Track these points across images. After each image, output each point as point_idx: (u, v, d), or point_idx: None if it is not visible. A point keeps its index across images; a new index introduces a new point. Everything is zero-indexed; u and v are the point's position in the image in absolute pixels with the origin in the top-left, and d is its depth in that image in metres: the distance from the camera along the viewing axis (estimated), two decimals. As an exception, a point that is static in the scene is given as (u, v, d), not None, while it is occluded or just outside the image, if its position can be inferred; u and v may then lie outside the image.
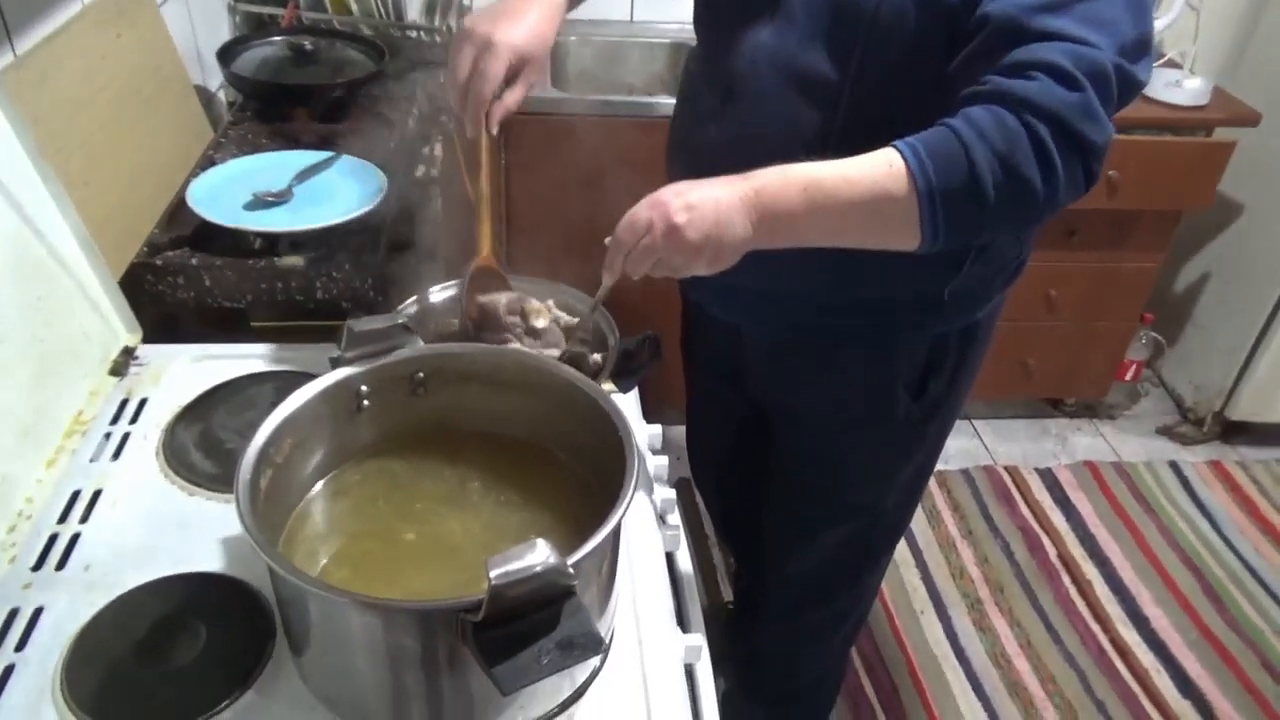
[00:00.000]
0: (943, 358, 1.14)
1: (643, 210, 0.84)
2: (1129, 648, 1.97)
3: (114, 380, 1.07)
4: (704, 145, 1.07)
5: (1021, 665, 1.92)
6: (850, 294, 1.06)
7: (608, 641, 0.77)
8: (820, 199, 0.82)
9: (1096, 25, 0.79)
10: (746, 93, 1.00)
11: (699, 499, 2.24)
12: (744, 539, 1.61)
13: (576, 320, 1.02)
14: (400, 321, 0.83)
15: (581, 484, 0.83)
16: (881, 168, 0.81)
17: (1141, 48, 0.83)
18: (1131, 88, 0.83)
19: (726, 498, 1.63)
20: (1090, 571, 2.13)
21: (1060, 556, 2.16)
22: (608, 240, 0.87)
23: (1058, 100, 0.77)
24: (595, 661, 0.78)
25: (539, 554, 0.59)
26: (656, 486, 1.03)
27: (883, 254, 0.87)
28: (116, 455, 0.97)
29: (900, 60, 0.91)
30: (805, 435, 1.26)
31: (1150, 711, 1.85)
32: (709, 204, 0.82)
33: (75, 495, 0.92)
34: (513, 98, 0.97)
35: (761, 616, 1.52)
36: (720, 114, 1.04)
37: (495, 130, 0.98)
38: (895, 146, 0.81)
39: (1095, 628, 2.01)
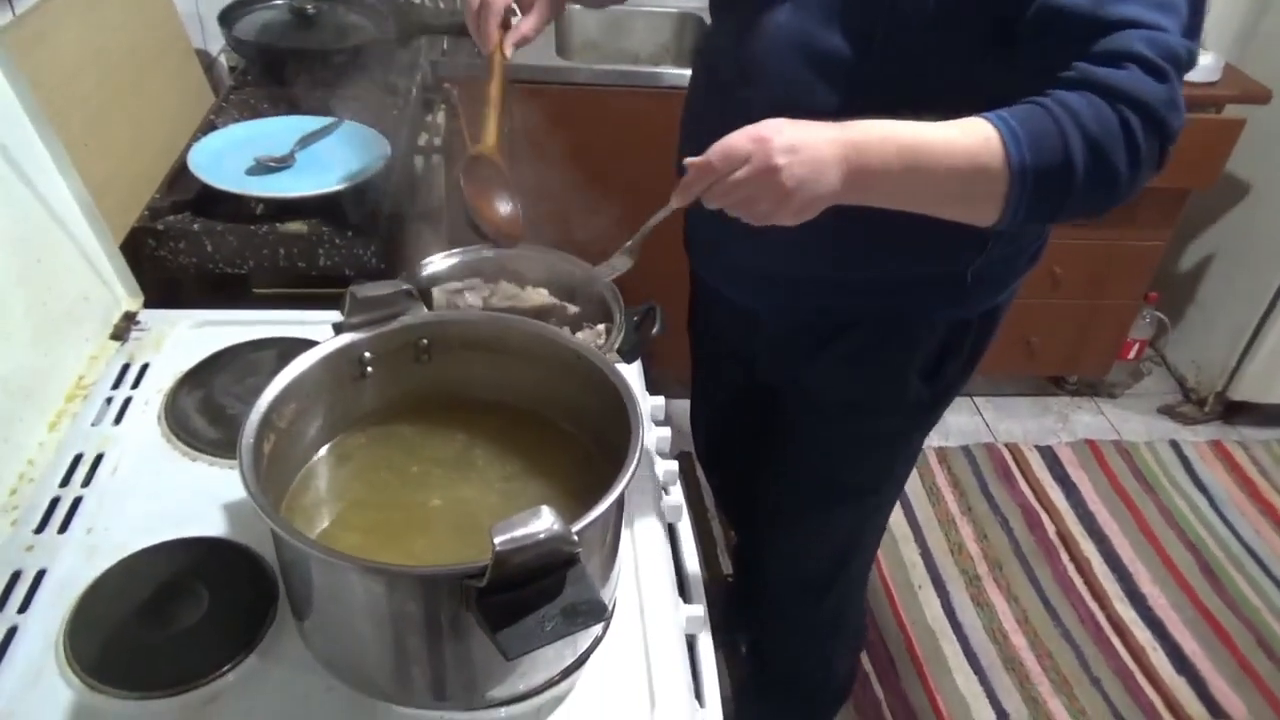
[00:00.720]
0: (961, 342, 1.11)
1: (742, 141, 0.80)
2: (1126, 625, 1.98)
3: (115, 345, 1.06)
4: (720, 127, 1.04)
5: (1018, 641, 1.93)
6: (868, 273, 1.04)
7: (610, 609, 0.77)
8: (916, 163, 0.80)
9: (1163, 7, 0.79)
10: (764, 74, 0.98)
11: (699, 473, 2.25)
12: (744, 514, 1.61)
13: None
14: (404, 288, 0.82)
15: (584, 453, 0.83)
16: (978, 139, 0.79)
17: (1196, 23, 0.83)
18: (1192, 66, 0.83)
19: (728, 473, 1.62)
20: (1089, 549, 2.14)
21: (1059, 534, 2.17)
22: (690, 161, 0.83)
23: (1148, 91, 0.77)
24: (597, 630, 0.79)
25: (544, 521, 0.59)
26: (659, 458, 1.03)
27: (905, 230, 0.86)
28: (118, 420, 0.97)
29: (923, 41, 0.89)
30: (812, 416, 1.23)
31: (1145, 688, 1.86)
32: (810, 150, 0.79)
33: (77, 459, 0.92)
34: (529, 24, 1.01)
35: (763, 603, 1.51)
36: (737, 95, 1.01)
37: (509, 52, 1.02)
38: (986, 119, 0.80)
39: (1093, 605, 2.02)
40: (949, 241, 0.87)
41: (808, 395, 1.21)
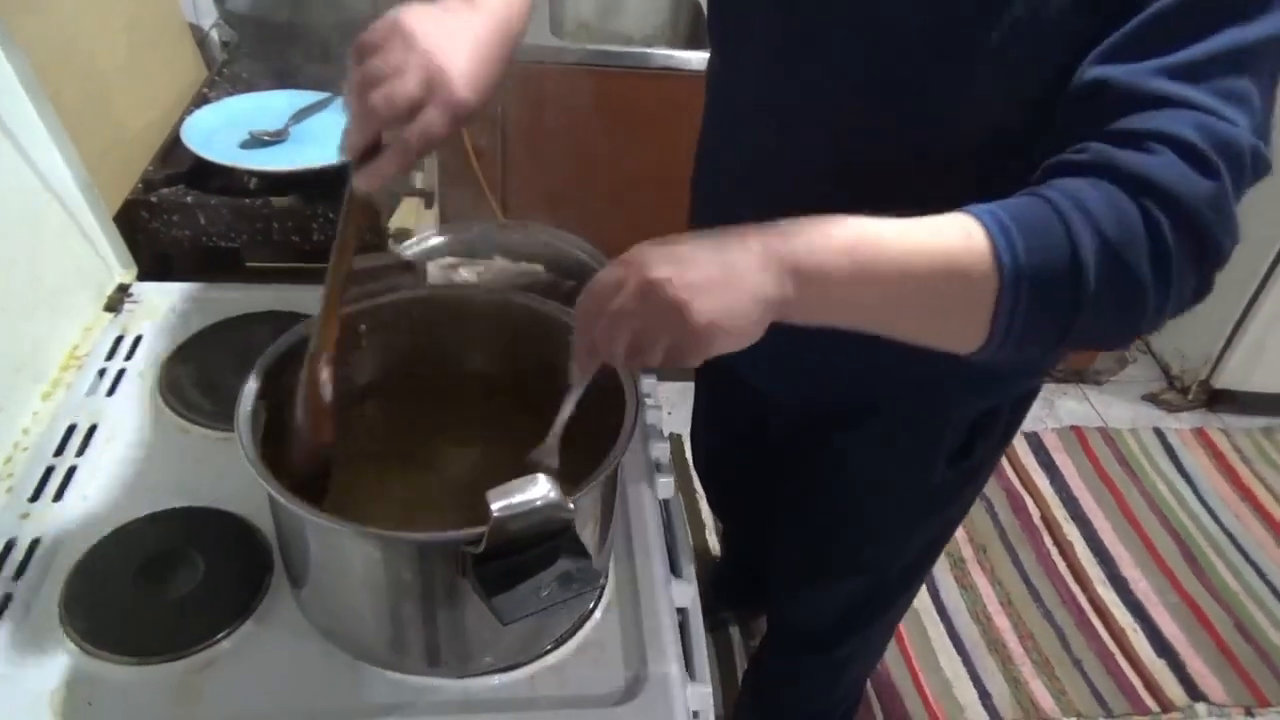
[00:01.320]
0: (992, 425, 0.99)
1: (611, 268, 0.61)
2: (1107, 608, 2.00)
3: (109, 316, 1.06)
4: (738, 180, 0.90)
5: (1002, 623, 1.96)
6: (897, 366, 0.81)
7: (604, 579, 0.78)
8: (871, 265, 0.60)
9: (1234, 100, 0.61)
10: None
11: (688, 455, 2.26)
12: (740, 519, 1.54)
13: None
14: (401, 260, 0.82)
15: (580, 432, 0.84)
16: (955, 235, 0.60)
17: (1267, 122, 0.65)
18: (1263, 171, 0.63)
19: (732, 499, 1.52)
20: (1072, 533, 2.16)
21: (1043, 518, 2.19)
22: (581, 301, 0.63)
23: (1186, 185, 0.58)
24: (589, 601, 0.80)
25: (540, 488, 0.60)
26: (651, 436, 1.04)
27: None
28: (112, 391, 0.97)
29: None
30: (824, 486, 1.11)
31: (1126, 669, 1.89)
32: (706, 254, 0.59)
33: (71, 429, 0.92)
34: (400, 158, 0.70)
35: (764, 654, 1.44)
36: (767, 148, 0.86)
37: (366, 185, 0.72)
38: (971, 213, 0.61)
39: (1075, 588, 2.04)
40: None
41: (819, 469, 1.09)
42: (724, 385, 1.21)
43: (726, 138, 0.93)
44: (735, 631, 1.86)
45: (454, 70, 0.67)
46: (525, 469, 0.64)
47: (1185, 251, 0.60)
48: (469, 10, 0.72)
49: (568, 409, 0.69)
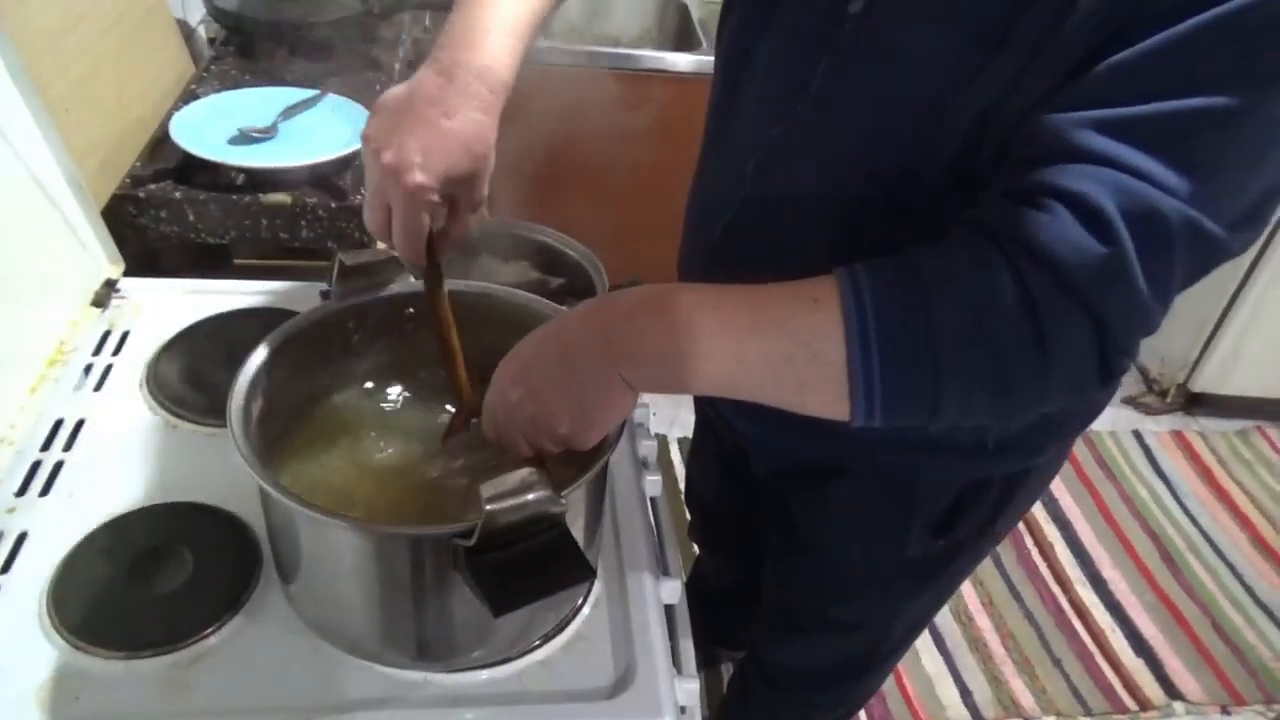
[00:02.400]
0: (978, 500, 0.92)
1: (489, 399, 0.67)
2: (1087, 608, 2.02)
3: (96, 311, 1.06)
4: (730, 219, 0.86)
5: (983, 623, 1.98)
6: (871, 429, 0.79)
7: (594, 573, 0.79)
8: (711, 330, 0.58)
9: (1181, 168, 0.52)
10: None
11: (674, 456, 2.27)
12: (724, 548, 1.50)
13: None
14: (393, 256, 0.82)
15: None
16: (804, 300, 0.57)
17: (1256, 210, 0.57)
18: (1211, 253, 0.55)
19: (719, 533, 1.48)
20: (1052, 534, 2.19)
21: (1024, 519, 2.21)
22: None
23: (1071, 249, 0.52)
24: (578, 598, 0.80)
25: (532, 483, 0.60)
26: (640, 435, 1.05)
27: None
28: (99, 386, 0.97)
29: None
30: (800, 540, 1.07)
31: (1105, 669, 1.91)
32: (549, 359, 0.63)
33: (58, 424, 0.92)
34: (458, 228, 0.77)
35: (757, 688, 1.39)
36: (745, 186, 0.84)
37: (443, 262, 0.78)
38: (837, 274, 0.58)
39: (1055, 588, 2.06)
40: None
41: (797, 522, 1.05)
42: (713, 413, 1.19)
43: (716, 168, 0.91)
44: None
45: (421, 172, 0.70)
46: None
47: (1067, 326, 0.54)
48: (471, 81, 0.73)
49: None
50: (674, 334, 0.59)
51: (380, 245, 1.19)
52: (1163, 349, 2.61)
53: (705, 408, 1.24)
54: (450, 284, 0.92)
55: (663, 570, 0.91)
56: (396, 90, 0.73)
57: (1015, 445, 0.86)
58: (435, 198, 0.71)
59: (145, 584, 0.77)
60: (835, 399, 0.58)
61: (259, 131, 1.27)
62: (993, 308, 0.54)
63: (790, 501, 1.05)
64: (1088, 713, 1.83)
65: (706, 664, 1.76)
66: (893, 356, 0.56)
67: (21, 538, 0.81)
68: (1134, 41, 0.54)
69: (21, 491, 0.85)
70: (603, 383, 0.62)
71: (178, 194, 1.20)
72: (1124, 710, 1.84)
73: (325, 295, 0.81)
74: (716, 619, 1.58)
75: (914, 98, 0.67)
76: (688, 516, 1.48)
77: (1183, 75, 0.53)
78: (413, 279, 0.79)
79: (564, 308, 0.85)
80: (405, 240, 0.73)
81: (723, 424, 1.08)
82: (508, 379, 0.65)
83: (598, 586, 0.83)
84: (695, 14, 2.17)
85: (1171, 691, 1.88)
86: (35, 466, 0.87)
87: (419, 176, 0.69)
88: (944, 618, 1.97)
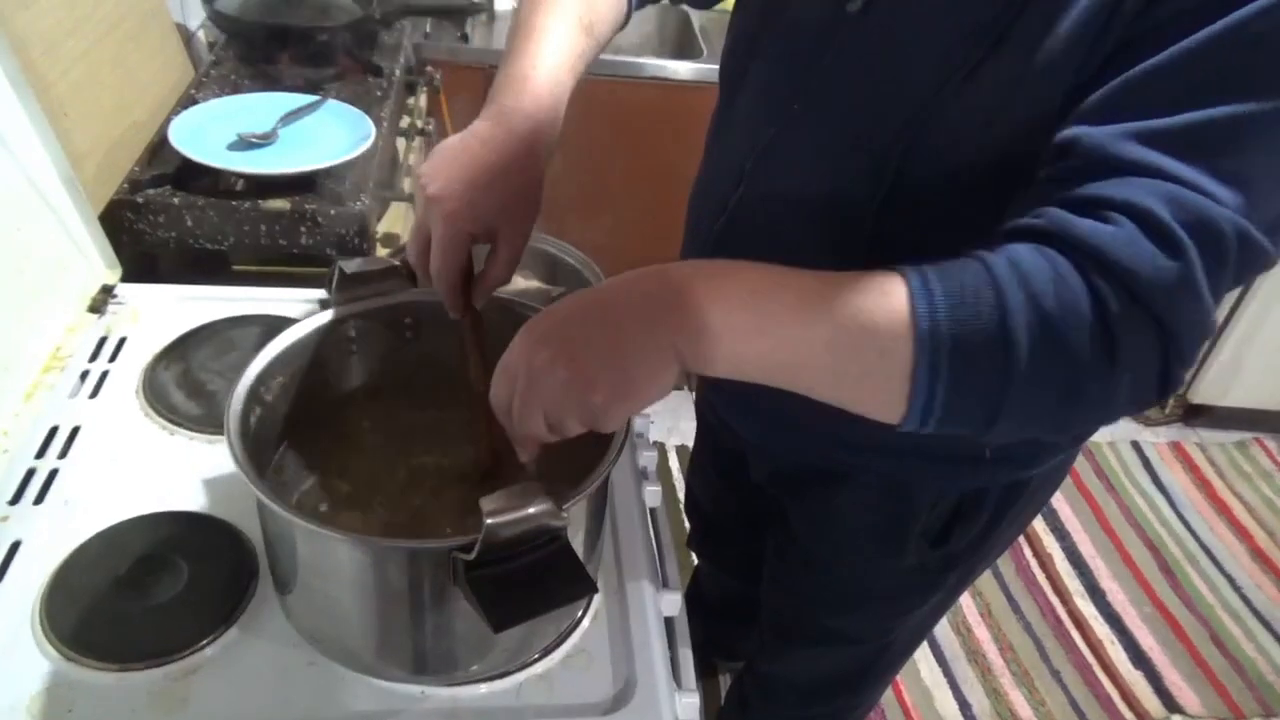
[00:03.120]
0: (975, 510, 0.91)
1: (505, 359, 0.61)
2: (1085, 619, 2.02)
3: (93, 317, 1.05)
4: (725, 219, 0.86)
5: (981, 634, 1.97)
6: (869, 434, 0.71)
7: (596, 587, 0.78)
8: (775, 310, 0.56)
9: (1223, 177, 0.53)
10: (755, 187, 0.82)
11: (671, 462, 2.26)
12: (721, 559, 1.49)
13: None
14: (392, 264, 0.82)
15: (569, 441, 0.84)
16: (872, 293, 0.55)
17: None
18: (1255, 261, 0.55)
19: (712, 542, 1.48)
20: (1051, 545, 2.18)
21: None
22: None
23: (1144, 263, 0.52)
24: (578, 610, 0.80)
25: (533, 497, 0.60)
26: (640, 445, 1.04)
27: None
28: (95, 393, 0.96)
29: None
30: (800, 548, 1.07)
31: (1103, 681, 1.90)
32: (590, 318, 0.58)
33: (53, 431, 0.91)
34: (497, 270, 0.74)
35: (755, 701, 1.39)
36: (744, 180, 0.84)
37: (480, 305, 0.77)
38: (900, 270, 0.56)
39: (1054, 599, 2.06)
40: None
41: (793, 528, 1.05)
42: (713, 416, 1.18)
43: (716, 175, 0.91)
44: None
45: (465, 209, 0.70)
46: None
47: (1137, 337, 0.53)
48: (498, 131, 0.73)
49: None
50: (739, 309, 0.56)
51: (382, 251, 1.19)
52: (1162, 360, 2.61)
53: (705, 412, 1.23)
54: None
55: (663, 582, 0.91)
56: (454, 136, 0.74)
57: (1012, 455, 0.86)
58: (477, 229, 0.70)
59: (140, 594, 0.76)
60: (893, 398, 0.56)
61: (258, 137, 1.26)
62: (1068, 314, 0.53)
63: (788, 509, 1.04)
64: (1086, 725, 1.83)
65: (705, 674, 1.76)
66: (964, 354, 0.54)
67: (15, 546, 0.80)
68: (1145, 49, 0.55)
69: (15, 499, 0.84)
70: (654, 351, 0.57)
71: (176, 199, 1.19)
72: (1123, 723, 1.84)
73: (324, 303, 0.81)
74: (715, 629, 1.57)
75: (910, 97, 0.67)
76: (686, 526, 1.47)
77: (1209, 83, 0.53)
78: (451, 315, 0.77)
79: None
80: (443, 273, 0.71)
81: (721, 427, 1.07)
82: (536, 337, 0.58)
83: (597, 599, 0.82)
84: (696, 22, 2.17)
85: (1170, 704, 1.87)
86: (30, 474, 0.86)
87: (460, 205, 0.69)
88: (942, 628, 1.97)
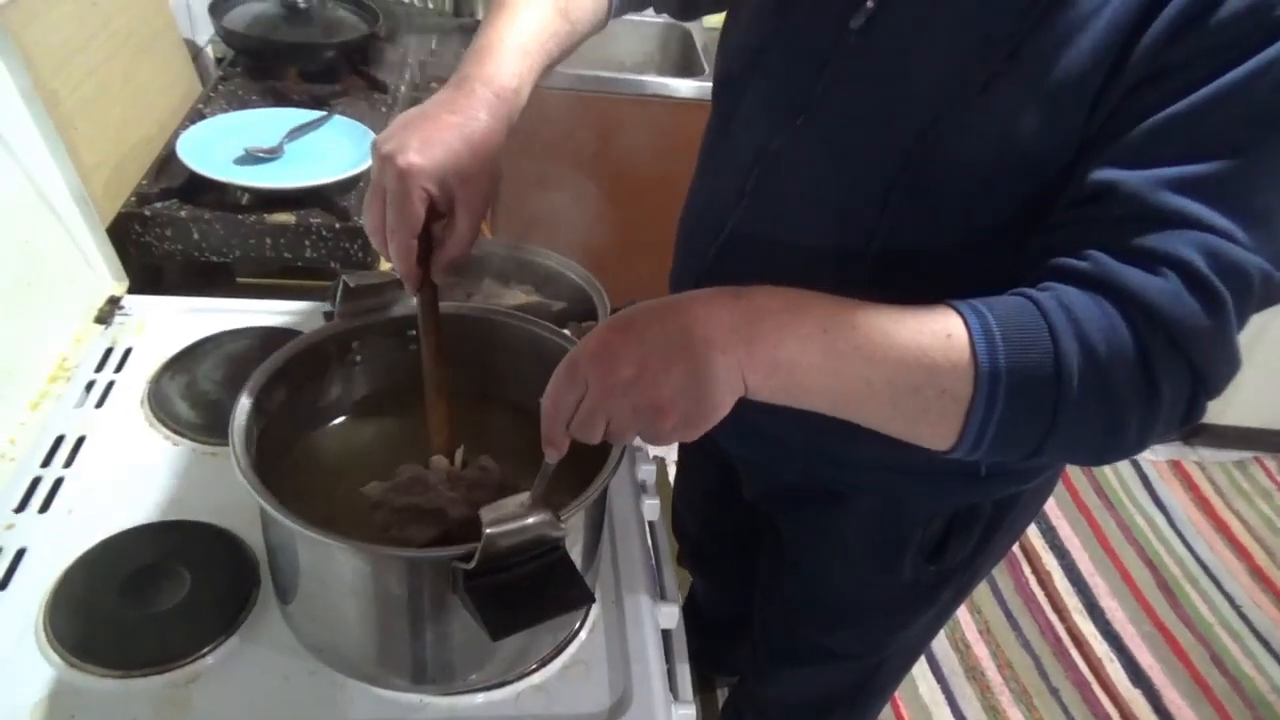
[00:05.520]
0: (970, 525, 0.92)
1: (577, 363, 0.59)
2: (1084, 637, 2.02)
3: (99, 328, 1.06)
4: (724, 238, 0.86)
5: (980, 651, 1.97)
6: (865, 452, 0.80)
7: (594, 597, 0.79)
8: (844, 349, 0.57)
9: (1250, 220, 0.57)
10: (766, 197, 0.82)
11: (669, 478, 2.27)
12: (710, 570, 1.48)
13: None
14: (395, 278, 0.83)
15: (568, 453, 0.84)
16: (936, 330, 0.57)
17: None
18: (1275, 298, 0.60)
19: (703, 560, 1.47)
20: (1050, 563, 2.18)
21: (1022, 547, 2.21)
22: (544, 400, 0.61)
23: (1188, 316, 0.56)
24: (576, 621, 0.80)
25: (532, 508, 0.61)
26: (639, 459, 1.05)
27: None
28: (100, 403, 0.97)
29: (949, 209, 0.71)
30: (793, 566, 1.07)
31: (1102, 699, 1.90)
32: (672, 342, 0.56)
33: (59, 440, 0.92)
34: (456, 238, 0.72)
35: (741, 705, 1.40)
36: (741, 207, 0.84)
37: (439, 280, 0.75)
38: (955, 308, 0.59)
39: (1053, 617, 2.06)
40: None
41: (786, 544, 1.05)
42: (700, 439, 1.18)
43: (710, 188, 0.92)
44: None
45: (420, 163, 0.68)
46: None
47: (1177, 377, 0.57)
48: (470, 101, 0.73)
49: (541, 483, 0.65)
50: (812, 347, 0.57)
51: (384, 266, 1.20)
52: (1161, 378, 2.62)
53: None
54: (451, 306, 0.93)
55: (660, 595, 0.91)
56: (413, 108, 0.74)
57: (1006, 471, 0.87)
58: (431, 186, 0.68)
59: (142, 602, 0.77)
60: (947, 431, 0.59)
61: (265, 152, 1.28)
62: (1116, 359, 0.56)
63: (781, 526, 1.04)
64: (1085, 743, 1.82)
65: (701, 688, 1.75)
66: (1019, 395, 0.57)
67: (20, 554, 0.81)
68: (1165, 89, 0.58)
69: (21, 507, 0.85)
70: (726, 383, 0.57)
71: (183, 213, 1.21)
72: (1121, 741, 1.84)
73: (329, 316, 0.82)
74: (710, 643, 1.57)
75: (916, 113, 0.68)
76: (673, 544, 1.45)
77: (1237, 126, 0.57)
78: (407, 289, 0.76)
79: (565, 331, 0.86)
80: (398, 232, 0.69)
81: (713, 446, 1.06)
82: (621, 355, 0.57)
83: (595, 610, 0.83)
84: (698, 40, 2.19)
85: (1169, 723, 1.87)
86: (35, 483, 0.87)
87: (414, 158, 0.67)
88: (941, 646, 1.96)
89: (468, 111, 0.71)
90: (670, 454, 2.32)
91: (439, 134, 0.69)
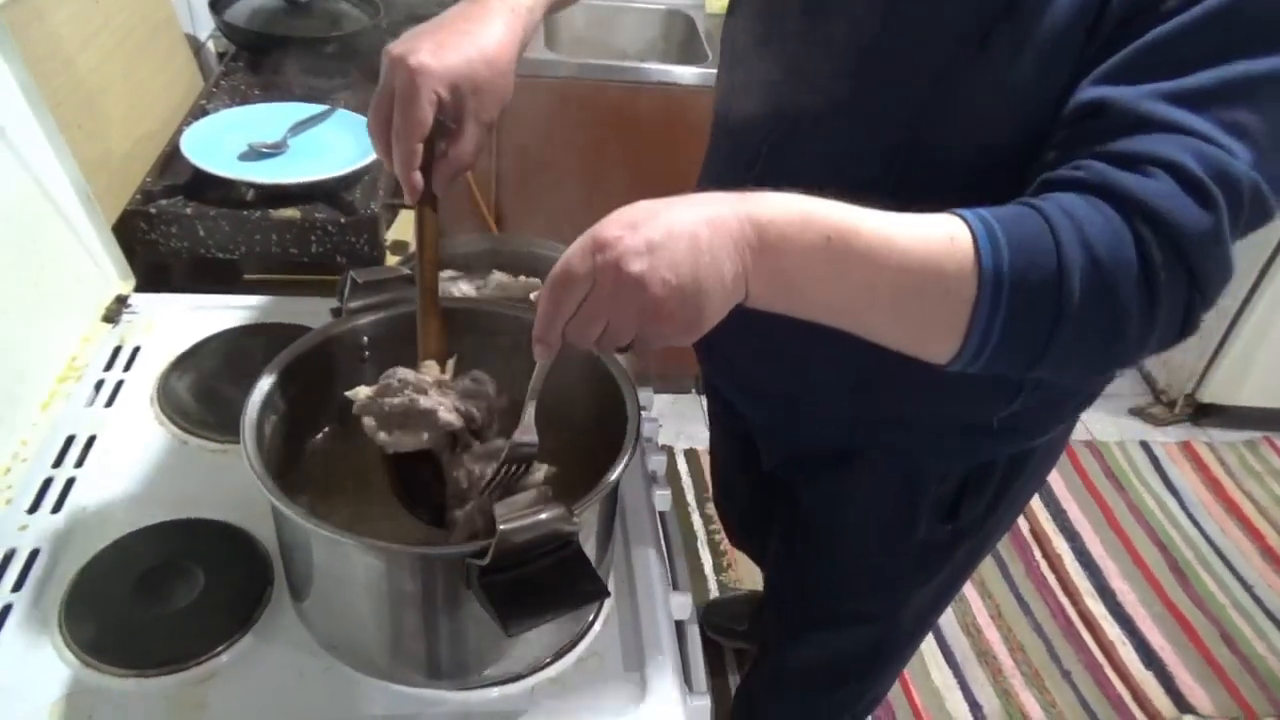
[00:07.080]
0: (983, 483, 0.94)
1: (579, 257, 0.56)
2: (1096, 620, 2.02)
3: (107, 327, 1.06)
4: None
5: (992, 635, 1.97)
6: (879, 410, 0.86)
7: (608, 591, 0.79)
8: (848, 256, 0.57)
9: (1236, 131, 0.58)
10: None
11: (679, 465, 2.27)
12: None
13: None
14: (404, 273, 0.83)
15: (579, 445, 0.84)
16: (940, 238, 0.57)
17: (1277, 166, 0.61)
18: (1262, 215, 0.60)
19: (741, 533, 1.52)
20: (1061, 546, 2.18)
21: (1032, 531, 2.21)
22: (533, 295, 0.62)
23: (1185, 214, 0.56)
24: (590, 614, 0.80)
25: (545, 503, 0.60)
26: (649, 450, 1.05)
27: (923, 371, 0.63)
28: (110, 402, 0.97)
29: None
30: (811, 529, 1.08)
31: (1114, 681, 1.90)
32: (680, 240, 0.55)
33: (70, 440, 0.92)
34: (461, 150, 0.71)
35: (763, 696, 1.39)
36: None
37: (441, 193, 0.74)
38: (960, 215, 0.59)
39: (1064, 600, 2.06)
40: (974, 385, 0.68)
41: (802, 505, 1.07)
42: (718, 404, 1.20)
43: (726, 152, 0.94)
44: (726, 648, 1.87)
45: (431, 64, 0.68)
46: (508, 456, 0.67)
47: (1175, 283, 0.57)
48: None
49: (536, 386, 0.65)
50: (816, 255, 0.57)
51: (392, 259, 1.19)
52: (1170, 359, 2.61)
53: (711, 401, 1.24)
54: (460, 299, 0.93)
55: (673, 585, 0.91)
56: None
57: (1019, 425, 0.88)
58: (442, 90, 0.67)
59: (156, 601, 0.77)
60: (950, 338, 0.59)
61: (269, 147, 1.28)
62: (1117, 261, 0.56)
63: (799, 492, 1.05)
64: (1098, 726, 1.82)
65: (712, 671, 1.76)
66: (1023, 296, 0.56)
67: (33, 555, 0.81)
68: (1156, 17, 0.59)
69: (34, 508, 0.85)
70: (729, 291, 0.56)
71: (188, 210, 1.20)
72: (1134, 723, 1.84)
73: (336, 312, 0.82)
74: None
75: (923, 71, 0.70)
76: (702, 528, 1.46)
77: (1228, 43, 0.58)
78: (407, 199, 0.73)
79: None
80: (403, 136, 0.68)
81: (728, 413, 1.07)
82: (631, 250, 0.54)
83: (608, 603, 0.83)
84: (701, 27, 2.18)
85: (1181, 704, 1.87)
86: (47, 483, 0.88)
87: (426, 59, 0.67)
88: (952, 629, 1.97)
89: (484, 22, 0.71)
90: (681, 443, 2.32)
91: (454, 39, 0.69)
